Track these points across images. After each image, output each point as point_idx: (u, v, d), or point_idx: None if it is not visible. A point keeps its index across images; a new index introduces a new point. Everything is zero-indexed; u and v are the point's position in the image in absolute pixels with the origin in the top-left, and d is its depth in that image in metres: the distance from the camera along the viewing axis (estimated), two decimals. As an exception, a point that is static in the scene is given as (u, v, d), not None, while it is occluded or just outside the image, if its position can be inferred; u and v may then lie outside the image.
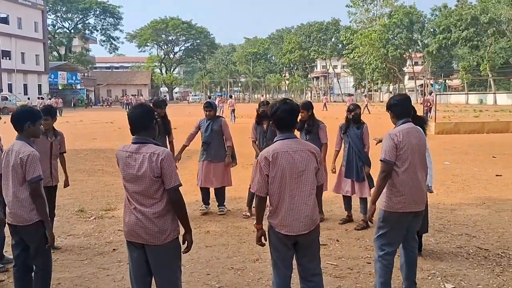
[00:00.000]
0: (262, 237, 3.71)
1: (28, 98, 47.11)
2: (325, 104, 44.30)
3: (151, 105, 6.98)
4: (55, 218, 7.45)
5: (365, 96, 47.91)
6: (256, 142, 7.45)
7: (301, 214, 3.54)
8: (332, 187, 7.10)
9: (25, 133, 4.02)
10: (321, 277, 3.77)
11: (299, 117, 7.24)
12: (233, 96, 42.22)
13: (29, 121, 3.99)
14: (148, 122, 3.48)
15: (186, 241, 3.55)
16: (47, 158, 6.01)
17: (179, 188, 3.44)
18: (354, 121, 6.89)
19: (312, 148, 3.63)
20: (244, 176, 9.49)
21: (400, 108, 4.32)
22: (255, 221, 3.73)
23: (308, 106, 7.17)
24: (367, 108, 36.46)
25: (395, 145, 4.11)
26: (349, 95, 47.90)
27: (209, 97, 67.05)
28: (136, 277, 3.55)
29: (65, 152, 6.33)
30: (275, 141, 3.63)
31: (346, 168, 6.86)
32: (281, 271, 3.67)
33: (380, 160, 4.20)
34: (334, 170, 7.21)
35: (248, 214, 7.39)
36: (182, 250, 3.57)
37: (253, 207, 4.53)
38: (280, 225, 3.55)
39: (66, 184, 6.48)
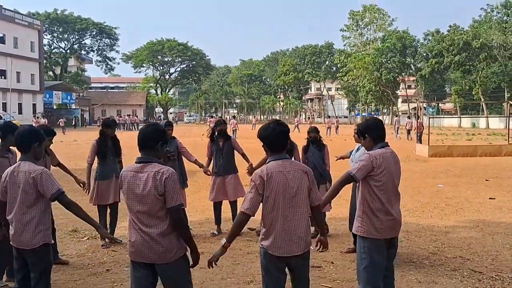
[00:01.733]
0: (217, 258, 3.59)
1: (43, 117, 46.90)
2: (297, 126, 43.28)
3: (104, 125, 7.18)
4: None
5: (335, 117, 49.77)
6: (211, 159, 7.85)
7: (294, 235, 3.52)
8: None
9: (31, 154, 3.95)
10: None
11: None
12: (236, 117, 43.34)
13: (37, 142, 3.96)
14: (155, 141, 3.53)
15: (192, 259, 3.57)
16: None
17: (181, 208, 3.50)
18: (313, 143, 7.55)
19: (304, 168, 3.64)
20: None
21: (376, 132, 4.20)
22: (225, 240, 3.56)
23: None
24: (332, 129, 39.57)
25: (372, 168, 4.00)
26: (328, 116, 50.28)
27: (220, 117, 66.14)
28: None
29: (59, 162, 6.67)
30: (268, 162, 3.63)
31: None
32: None
33: (349, 173, 4.05)
34: None
35: (216, 232, 7.69)
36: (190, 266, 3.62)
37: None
38: (274, 247, 3.52)
39: (80, 181, 6.90)
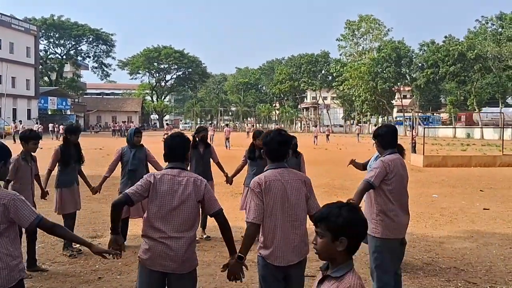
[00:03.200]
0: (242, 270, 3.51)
1: (20, 121, 46.50)
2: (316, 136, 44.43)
3: (68, 131, 7.00)
4: (40, 245, 7.37)
5: (315, 126, 50.86)
6: (189, 167, 7.73)
7: (292, 244, 3.51)
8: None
9: None
10: None
11: (257, 143, 7.70)
12: (229, 125, 43.96)
13: (1, 161, 3.27)
14: (187, 151, 3.69)
15: (228, 265, 3.49)
16: (29, 185, 6.07)
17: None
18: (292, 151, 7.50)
19: (302, 177, 3.66)
20: (234, 205, 9.45)
21: (386, 139, 4.50)
22: (241, 251, 3.48)
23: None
24: (320, 138, 40.27)
25: (386, 173, 4.28)
26: (315, 126, 51.38)
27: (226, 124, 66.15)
28: None
29: (37, 173, 6.45)
30: (266, 170, 3.64)
31: None
32: None
33: (367, 181, 4.26)
34: None
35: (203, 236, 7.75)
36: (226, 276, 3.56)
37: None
38: (273, 256, 3.50)
39: (44, 195, 6.70)
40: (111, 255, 3.37)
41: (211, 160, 8.02)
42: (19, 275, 3.14)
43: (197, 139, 7.84)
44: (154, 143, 30.93)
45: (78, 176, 7.08)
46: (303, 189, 3.59)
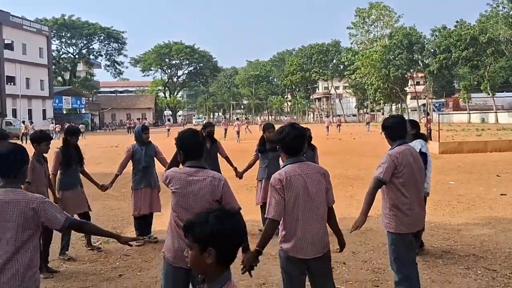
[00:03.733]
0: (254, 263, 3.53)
1: (30, 122, 47.05)
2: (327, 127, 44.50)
3: (68, 133, 6.89)
4: (59, 245, 7.48)
5: (327, 116, 50.87)
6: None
7: (315, 237, 3.54)
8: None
9: (19, 179, 3.18)
10: None
11: (267, 136, 7.70)
12: (239, 118, 44.48)
13: (26, 164, 3.24)
14: (202, 147, 3.70)
15: (245, 259, 3.47)
16: (44, 186, 6.11)
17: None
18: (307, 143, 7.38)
19: (321, 170, 3.69)
20: (248, 198, 9.48)
21: (394, 131, 4.43)
22: (258, 245, 3.51)
23: (274, 126, 7.79)
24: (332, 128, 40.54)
25: (395, 166, 4.22)
26: (327, 116, 51.10)
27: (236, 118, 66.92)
28: None
29: (49, 174, 6.45)
30: (284, 165, 3.65)
31: None
32: None
33: (377, 178, 4.24)
34: None
35: None
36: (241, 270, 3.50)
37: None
38: (295, 250, 3.53)
39: (56, 201, 6.56)
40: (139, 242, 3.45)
41: (218, 155, 8.00)
42: (34, 285, 3.03)
43: (203, 134, 7.79)
44: (165, 139, 31.04)
45: (83, 177, 7.02)
46: (323, 182, 3.61)
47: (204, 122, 8.85)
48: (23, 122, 44.58)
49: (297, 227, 3.51)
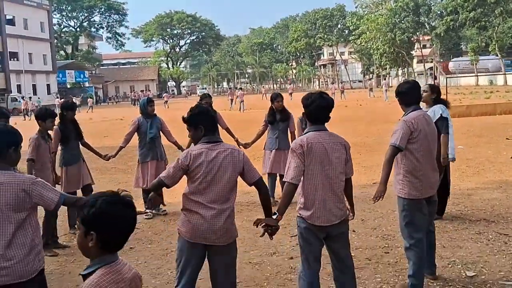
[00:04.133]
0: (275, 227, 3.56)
1: (30, 98, 46.77)
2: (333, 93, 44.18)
3: (64, 108, 6.75)
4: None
5: (332, 83, 50.85)
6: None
7: (333, 205, 3.56)
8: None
9: (8, 161, 3.07)
10: (353, 268, 3.78)
11: (275, 106, 7.60)
12: (242, 88, 44.50)
13: (13, 146, 3.10)
14: (214, 121, 3.70)
15: (264, 223, 3.54)
16: (49, 163, 6.04)
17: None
18: None
19: (343, 141, 3.67)
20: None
21: (409, 97, 4.36)
22: (278, 210, 3.54)
23: (281, 96, 7.91)
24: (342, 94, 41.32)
25: (411, 132, 4.15)
26: (332, 83, 51.21)
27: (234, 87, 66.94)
28: (194, 275, 3.58)
29: (55, 151, 6.39)
30: (306, 132, 3.66)
31: None
32: (312, 265, 3.65)
33: (393, 145, 4.17)
34: None
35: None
36: (261, 234, 3.66)
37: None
38: (314, 217, 3.54)
39: (58, 180, 6.50)
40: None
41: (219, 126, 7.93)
42: (39, 265, 3.00)
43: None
44: (164, 111, 30.94)
45: (86, 150, 6.95)
46: (343, 152, 3.62)
47: (202, 94, 8.66)
48: (23, 98, 44.27)
49: (315, 194, 3.54)
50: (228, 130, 8.00)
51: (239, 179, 3.57)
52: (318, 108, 3.60)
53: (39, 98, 48.61)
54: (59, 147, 6.68)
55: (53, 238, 6.13)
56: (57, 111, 6.96)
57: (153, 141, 7.35)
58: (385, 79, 54.07)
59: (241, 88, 46.40)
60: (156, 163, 7.37)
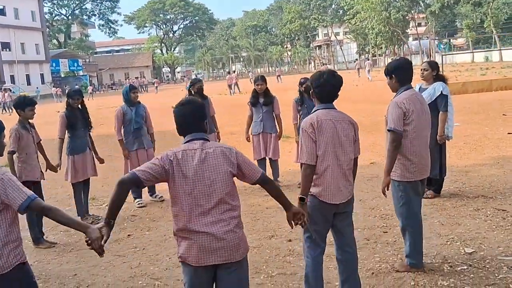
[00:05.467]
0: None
1: (10, 89, 46.11)
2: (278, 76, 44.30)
3: (69, 96, 6.64)
4: (67, 208, 7.48)
5: (324, 64, 50.75)
6: None
7: (342, 183, 3.54)
8: (294, 158, 7.54)
9: None
10: (356, 248, 3.77)
11: (257, 89, 7.53)
12: (234, 71, 48.76)
13: None
14: (205, 118, 3.06)
15: (294, 217, 3.19)
16: (34, 154, 5.91)
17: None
18: (307, 93, 7.13)
19: (351, 119, 3.64)
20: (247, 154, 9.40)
21: (401, 76, 4.20)
22: (301, 194, 3.50)
23: (265, 78, 7.79)
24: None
25: (403, 113, 4.07)
26: (323, 64, 51.30)
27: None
28: None
29: (41, 140, 6.27)
30: (315, 110, 3.61)
31: None
32: (317, 244, 3.64)
33: (389, 130, 4.13)
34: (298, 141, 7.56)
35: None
36: (296, 224, 3.24)
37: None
38: (325, 194, 3.52)
39: (50, 167, 6.42)
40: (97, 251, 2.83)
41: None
42: (15, 260, 2.81)
43: (192, 92, 7.58)
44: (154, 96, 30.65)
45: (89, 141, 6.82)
46: (352, 131, 3.59)
47: (192, 78, 8.49)
48: (1, 89, 41.87)
49: (326, 171, 3.50)
50: (213, 118, 7.79)
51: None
52: (330, 86, 3.56)
53: (37, 88, 48.30)
54: (67, 135, 6.59)
55: (41, 234, 5.95)
56: (55, 100, 6.86)
57: (138, 130, 7.25)
58: (368, 59, 53.99)
59: (229, 72, 48.30)
60: (143, 151, 7.28)
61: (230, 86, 34.38)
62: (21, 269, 2.83)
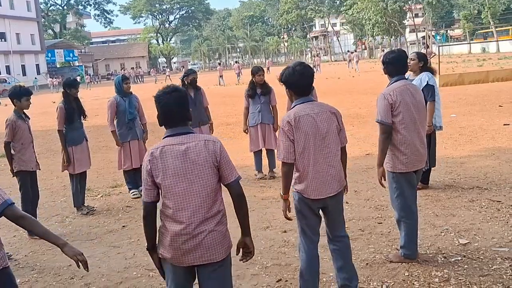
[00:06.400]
0: (287, 210, 3.58)
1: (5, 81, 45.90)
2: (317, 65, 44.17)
3: (66, 85, 6.56)
4: (62, 199, 7.47)
5: (317, 55, 51.22)
6: None
7: (328, 177, 3.48)
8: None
9: None
10: (348, 238, 3.75)
11: (256, 80, 7.48)
12: (220, 63, 50.26)
13: None
14: (188, 109, 2.87)
15: (244, 247, 2.96)
16: (31, 143, 5.87)
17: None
18: None
19: (332, 109, 3.56)
20: (242, 145, 9.39)
21: (392, 66, 4.24)
22: (281, 191, 3.56)
23: (262, 69, 7.78)
24: (319, 67, 40.87)
25: (390, 105, 4.08)
26: (316, 55, 51.65)
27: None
28: None
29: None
30: (293, 106, 3.54)
31: None
32: (309, 238, 3.63)
33: (376, 121, 4.17)
34: None
35: None
36: (240, 258, 3.00)
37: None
38: (308, 190, 3.48)
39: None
40: (81, 265, 2.70)
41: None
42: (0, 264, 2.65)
43: (186, 82, 7.52)
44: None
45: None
46: (334, 120, 3.51)
47: (186, 69, 8.37)
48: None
49: (308, 167, 3.46)
50: (207, 110, 7.75)
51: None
52: (299, 77, 3.47)
53: (15, 78, 47.40)
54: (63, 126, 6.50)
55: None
56: (51, 90, 6.80)
57: (132, 121, 7.20)
58: (355, 51, 54.21)
59: (219, 63, 49.82)
60: (137, 142, 7.24)
61: (221, 77, 35.41)
62: (5, 273, 2.69)
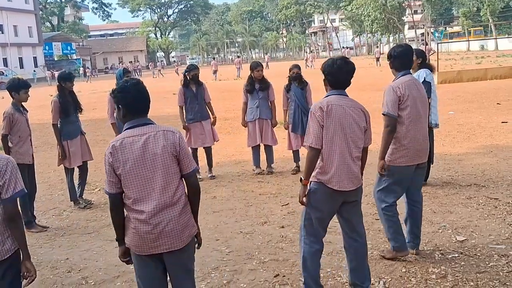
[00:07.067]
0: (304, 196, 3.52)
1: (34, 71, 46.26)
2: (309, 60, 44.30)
3: (61, 79, 6.45)
4: (59, 192, 7.46)
5: (310, 52, 51.51)
6: (184, 108, 7.60)
7: (350, 171, 3.46)
8: (287, 146, 7.71)
9: None
10: (365, 236, 3.71)
11: (255, 75, 7.51)
12: (215, 58, 51.18)
13: None
14: (149, 102, 2.90)
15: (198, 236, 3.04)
16: (28, 136, 5.85)
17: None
18: (295, 80, 7.41)
19: (363, 108, 3.57)
20: (239, 140, 9.38)
21: (399, 61, 4.24)
22: (303, 176, 3.50)
23: (261, 65, 7.80)
24: (312, 63, 41.77)
25: (398, 98, 4.07)
26: (310, 52, 52.09)
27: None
28: None
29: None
30: (327, 95, 3.55)
31: (293, 124, 7.44)
32: (317, 233, 3.58)
33: (383, 114, 4.13)
34: (286, 126, 7.66)
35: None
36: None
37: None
38: (333, 181, 3.43)
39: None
40: (28, 280, 2.74)
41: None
42: (15, 245, 2.72)
43: (188, 78, 7.51)
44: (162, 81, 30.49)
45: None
46: (363, 119, 3.52)
47: (188, 65, 8.32)
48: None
49: (334, 158, 3.43)
50: (209, 105, 7.71)
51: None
52: (343, 73, 3.51)
53: (12, 71, 47.30)
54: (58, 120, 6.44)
55: (33, 218, 5.90)
56: (49, 83, 6.75)
57: None
58: (377, 47, 54.16)
59: (214, 58, 50.50)
60: None
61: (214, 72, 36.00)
62: (18, 254, 2.75)
